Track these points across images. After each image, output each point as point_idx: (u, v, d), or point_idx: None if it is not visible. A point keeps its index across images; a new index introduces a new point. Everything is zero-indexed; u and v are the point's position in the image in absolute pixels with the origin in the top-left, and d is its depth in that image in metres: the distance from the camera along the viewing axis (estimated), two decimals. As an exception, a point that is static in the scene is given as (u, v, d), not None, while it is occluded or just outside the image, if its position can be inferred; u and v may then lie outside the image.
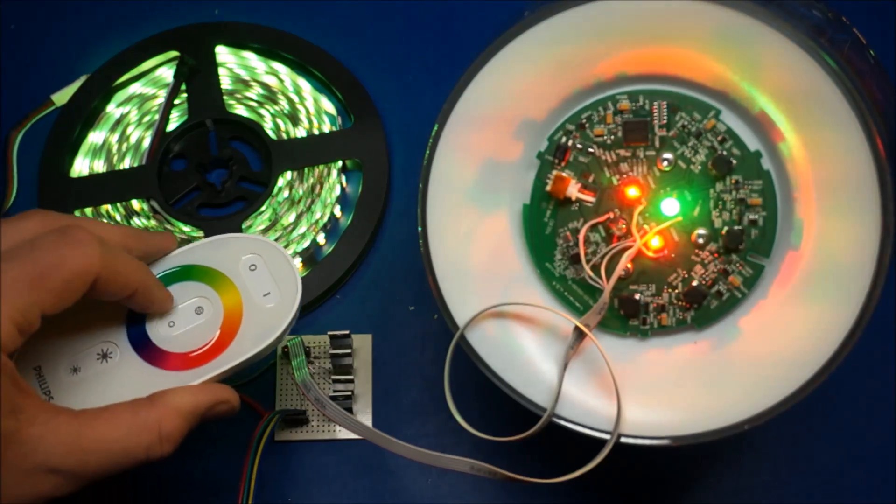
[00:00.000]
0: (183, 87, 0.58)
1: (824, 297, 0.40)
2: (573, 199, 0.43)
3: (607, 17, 0.40)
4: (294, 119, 0.57)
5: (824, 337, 0.39)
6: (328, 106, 0.57)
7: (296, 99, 0.57)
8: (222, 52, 0.58)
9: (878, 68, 0.43)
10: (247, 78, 0.58)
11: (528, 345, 0.43)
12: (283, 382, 0.52)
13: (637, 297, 0.43)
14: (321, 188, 0.55)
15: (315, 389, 0.45)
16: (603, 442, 0.41)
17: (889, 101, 0.42)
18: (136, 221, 0.55)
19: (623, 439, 0.41)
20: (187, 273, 0.44)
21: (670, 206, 0.42)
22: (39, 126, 0.58)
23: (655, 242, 0.43)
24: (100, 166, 0.56)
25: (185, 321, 0.43)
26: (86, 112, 0.57)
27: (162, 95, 0.58)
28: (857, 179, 0.39)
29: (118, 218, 0.55)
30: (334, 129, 0.57)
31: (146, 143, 0.57)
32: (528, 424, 0.42)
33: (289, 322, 0.43)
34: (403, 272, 0.55)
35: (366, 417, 0.52)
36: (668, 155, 0.42)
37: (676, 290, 0.43)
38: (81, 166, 0.57)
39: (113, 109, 0.58)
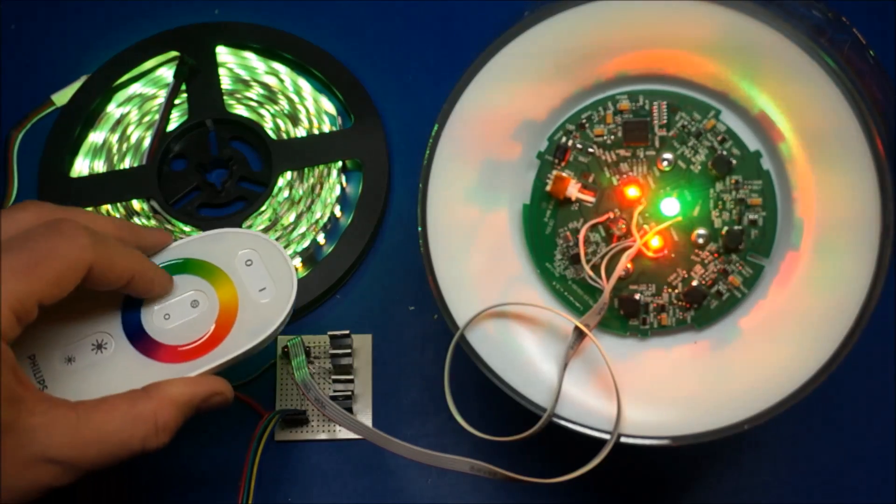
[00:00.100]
0: (183, 87, 0.57)
1: (824, 298, 0.40)
2: (573, 199, 0.43)
3: (607, 17, 0.40)
4: (294, 119, 0.57)
5: (824, 337, 0.39)
6: (328, 106, 0.57)
7: (296, 99, 0.57)
8: (222, 52, 0.58)
9: (878, 68, 0.43)
10: (247, 78, 0.58)
11: (528, 345, 0.43)
12: (283, 382, 0.52)
13: (637, 297, 0.43)
14: (321, 188, 0.55)
15: (315, 389, 0.45)
16: (603, 442, 0.41)
17: (889, 101, 0.42)
18: (136, 221, 0.55)
19: (623, 439, 0.41)
20: (183, 266, 0.44)
21: (670, 206, 0.42)
22: (39, 126, 0.58)
23: (655, 242, 0.43)
24: (100, 166, 0.56)
25: (181, 314, 0.43)
26: (86, 112, 0.57)
27: (162, 95, 0.58)
28: (857, 179, 0.39)
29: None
30: (334, 129, 0.57)
31: (146, 143, 0.57)
32: (528, 424, 0.42)
33: (284, 317, 0.43)
34: (403, 272, 0.55)
35: (366, 417, 0.51)
36: (667, 155, 0.42)
37: (676, 290, 0.43)
38: (81, 166, 0.56)
39: (113, 109, 0.58)
